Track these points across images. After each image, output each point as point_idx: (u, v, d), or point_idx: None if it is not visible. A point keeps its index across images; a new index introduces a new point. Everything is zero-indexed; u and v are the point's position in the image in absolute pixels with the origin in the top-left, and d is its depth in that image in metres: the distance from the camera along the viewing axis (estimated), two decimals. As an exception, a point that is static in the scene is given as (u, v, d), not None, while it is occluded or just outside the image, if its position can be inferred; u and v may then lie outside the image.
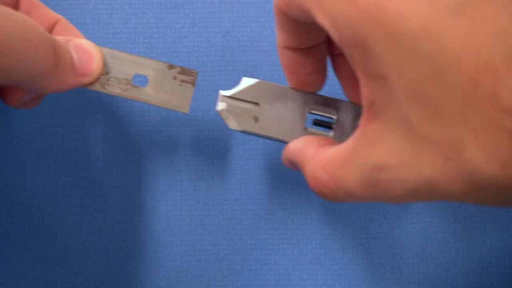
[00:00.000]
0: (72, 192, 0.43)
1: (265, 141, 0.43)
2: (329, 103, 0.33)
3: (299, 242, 0.43)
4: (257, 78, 0.44)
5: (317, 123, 0.34)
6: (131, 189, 0.43)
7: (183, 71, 0.37)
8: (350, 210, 0.43)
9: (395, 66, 0.21)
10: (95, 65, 0.35)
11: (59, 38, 0.33)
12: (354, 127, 0.33)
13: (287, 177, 0.43)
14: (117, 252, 0.43)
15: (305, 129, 0.34)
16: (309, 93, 0.33)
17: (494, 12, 0.20)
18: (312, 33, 0.29)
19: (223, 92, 0.34)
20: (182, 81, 0.37)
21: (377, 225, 0.43)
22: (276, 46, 0.32)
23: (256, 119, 0.33)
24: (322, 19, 0.24)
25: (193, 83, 0.36)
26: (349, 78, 0.33)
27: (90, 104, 0.43)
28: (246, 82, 0.34)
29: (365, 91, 0.23)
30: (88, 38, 0.44)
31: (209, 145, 0.42)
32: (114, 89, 0.36)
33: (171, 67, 0.37)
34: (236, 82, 0.43)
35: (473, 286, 0.42)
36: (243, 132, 0.34)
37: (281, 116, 0.33)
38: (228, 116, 0.34)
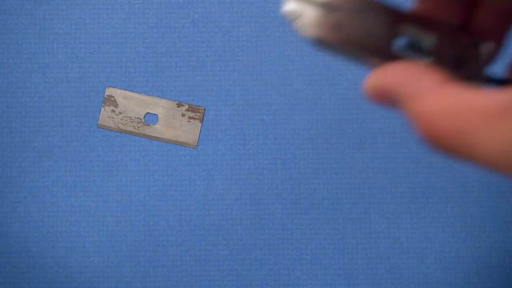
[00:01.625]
0: (72, 192, 0.43)
1: (264, 140, 0.43)
2: (427, 23, 0.27)
3: (299, 242, 0.43)
4: (257, 78, 0.44)
5: (410, 45, 0.28)
6: (131, 189, 0.43)
7: (191, 108, 0.38)
8: (350, 210, 0.43)
9: None
10: None
11: None
12: (456, 59, 0.26)
13: (287, 177, 0.43)
14: (117, 252, 0.43)
15: (395, 50, 0.27)
16: (404, 10, 0.27)
17: None
18: None
19: None
20: (190, 118, 0.39)
21: (377, 225, 0.43)
22: None
23: (337, 27, 0.27)
24: None
25: (201, 120, 0.38)
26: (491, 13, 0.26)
27: (89, 104, 0.43)
28: None
29: None
30: (88, 38, 0.44)
31: (208, 145, 0.42)
32: (127, 128, 0.38)
33: (179, 105, 0.38)
34: (236, 82, 0.43)
35: (473, 286, 0.42)
36: (318, 44, 0.27)
37: (367, 30, 0.27)
38: (301, 19, 0.26)
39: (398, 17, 0.27)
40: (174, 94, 0.42)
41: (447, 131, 0.20)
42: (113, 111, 0.41)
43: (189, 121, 0.39)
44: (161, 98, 0.41)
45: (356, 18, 0.27)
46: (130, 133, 0.38)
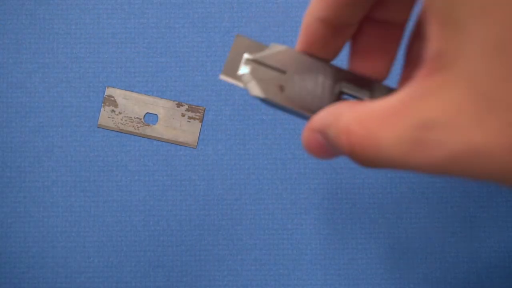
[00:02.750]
0: (72, 192, 0.43)
1: (264, 140, 0.43)
2: (362, 83, 0.31)
3: (299, 242, 0.43)
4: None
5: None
6: (131, 189, 0.43)
7: (191, 108, 0.39)
8: (350, 210, 0.43)
9: (479, 13, 0.19)
10: None
11: None
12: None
13: (287, 177, 0.43)
14: (117, 252, 0.43)
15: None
16: (342, 70, 0.31)
17: None
18: (357, 7, 0.27)
19: (247, 55, 0.31)
20: (190, 118, 0.39)
21: (377, 225, 0.43)
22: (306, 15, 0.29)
23: (281, 88, 0.30)
24: None
25: (200, 119, 0.38)
26: (365, 48, 0.30)
27: (89, 104, 0.43)
28: (275, 47, 0.31)
29: (436, 41, 0.21)
30: (88, 38, 0.44)
31: (208, 145, 0.42)
32: (127, 128, 0.39)
33: (179, 105, 0.39)
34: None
35: (473, 286, 0.42)
36: (265, 101, 0.31)
37: (309, 89, 0.30)
38: (251, 81, 0.30)
39: (338, 76, 0.30)
40: (173, 94, 0.42)
41: (359, 138, 0.22)
42: (113, 111, 0.41)
43: (189, 121, 0.39)
44: (161, 98, 0.41)
45: (298, 81, 0.30)
46: (130, 133, 0.38)
